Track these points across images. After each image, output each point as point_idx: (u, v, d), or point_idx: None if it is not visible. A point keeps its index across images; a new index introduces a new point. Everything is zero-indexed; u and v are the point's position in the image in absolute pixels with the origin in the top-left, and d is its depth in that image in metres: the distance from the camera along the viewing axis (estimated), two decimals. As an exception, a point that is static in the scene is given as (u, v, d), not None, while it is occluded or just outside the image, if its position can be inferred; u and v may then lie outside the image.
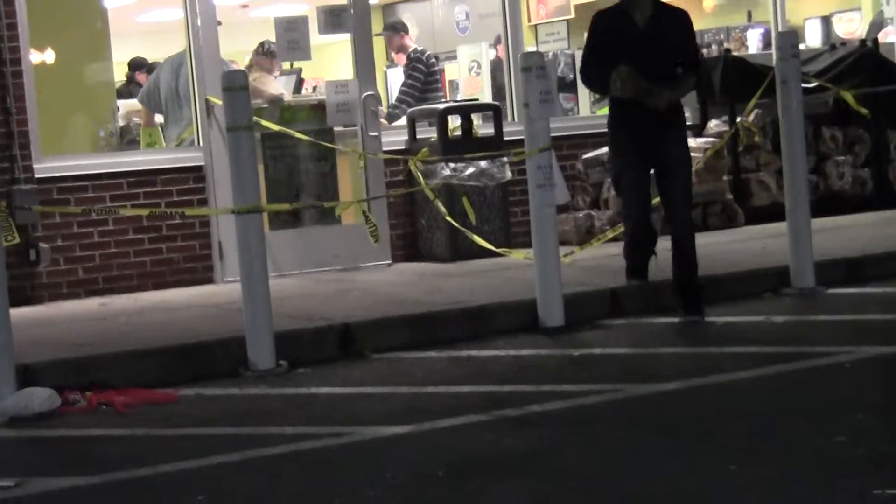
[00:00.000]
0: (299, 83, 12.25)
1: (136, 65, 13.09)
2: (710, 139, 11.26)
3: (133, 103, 11.46)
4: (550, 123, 8.08)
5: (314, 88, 12.37)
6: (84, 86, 10.60)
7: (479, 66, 12.71)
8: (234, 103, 7.29)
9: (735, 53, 12.32)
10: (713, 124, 11.65)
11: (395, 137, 10.69)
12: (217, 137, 9.81)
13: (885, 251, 9.34)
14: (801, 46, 10.87)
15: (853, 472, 4.71)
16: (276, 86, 11.15)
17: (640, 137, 7.99)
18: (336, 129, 10.29)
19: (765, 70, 10.27)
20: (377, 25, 13.06)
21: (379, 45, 12.99)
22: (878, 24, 13.81)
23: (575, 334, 7.72)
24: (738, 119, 10.86)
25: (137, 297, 9.36)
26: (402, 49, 12.42)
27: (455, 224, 9.79)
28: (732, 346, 7.13)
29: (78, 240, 9.53)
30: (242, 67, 11.00)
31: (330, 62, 13.12)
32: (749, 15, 14.05)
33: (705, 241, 10.36)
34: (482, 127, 10.86)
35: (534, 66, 7.97)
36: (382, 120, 11.72)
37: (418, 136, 10.65)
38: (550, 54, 12.20)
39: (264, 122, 9.79)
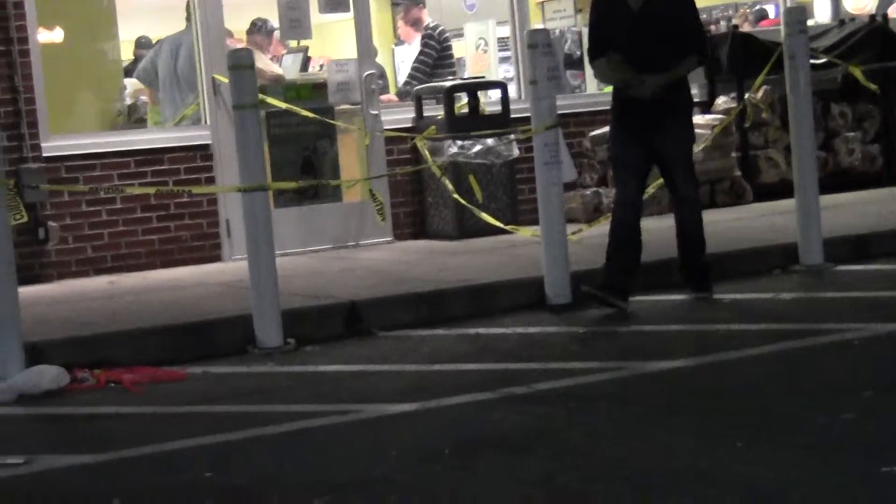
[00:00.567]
0: (306, 61, 12.22)
1: (144, 44, 13.07)
2: (718, 116, 11.23)
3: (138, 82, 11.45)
4: (557, 101, 8.05)
5: (321, 67, 12.36)
6: (91, 64, 10.59)
7: (487, 44, 12.68)
8: (239, 82, 7.29)
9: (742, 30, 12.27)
10: (721, 101, 11.62)
11: (401, 115, 10.67)
12: (224, 116, 9.80)
13: (894, 228, 9.31)
14: (810, 22, 10.84)
15: (861, 450, 4.70)
16: (273, 64, 11.15)
17: (637, 124, 7.80)
18: (338, 108, 10.29)
19: (773, 46, 10.23)
20: (381, 4, 13.02)
21: (385, 23, 12.97)
22: (887, -1, 13.75)
23: (582, 312, 7.71)
24: (746, 96, 10.83)
25: (145, 275, 9.37)
26: (416, 23, 12.38)
27: (462, 201, 9.78)
28: (740, 324, 7.13)
29: (86, 218, 9.53)
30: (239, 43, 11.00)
31: (336, 40, 13.09)
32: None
33: (713, 219, 10.35)
34: (490, 104, 10.84)
35: (540, 42, 7.95)
36: (393, 97, 11.70)
37: (425, 114, 10.63)
38: (557, 31, 12.17)
39: (270, 100, 9.78)
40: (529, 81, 8.05)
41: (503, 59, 12.07)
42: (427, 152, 9.96)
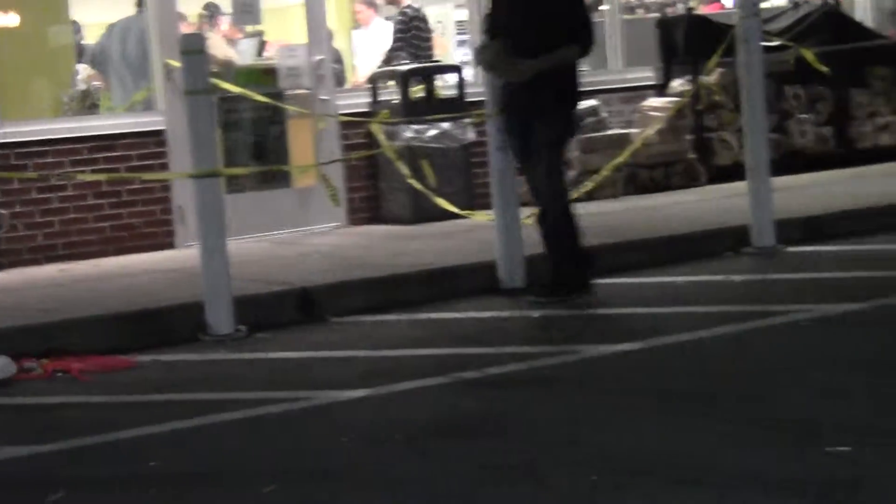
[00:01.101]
0: (261, 46, 12.16)
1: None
2: (673, 99, 11.25)
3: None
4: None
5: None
6: (43, 49, 10.50)
7: (444, 27, 12.65)
8: (192, 67, 7.24)
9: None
10: (677, 83, 11.63)
11: (356, 100, 10.63)
12: (177, 101, 9.73)
13: (846, 209, 9.37)
14: (764, 5, 10.86)
15: (805, 430, 4.73)
16: (227, 47, 11.09)
17: (517, 114, 7.58)
18: (293, 92, 10.24)
19: (728, 29, 10.25)
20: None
21: (343, 6, 12.90)
22: (840, -19, 13.80)
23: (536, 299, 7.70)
24: (700, 78, 10.85)
25: (97, 262, 9.31)
26: (372, 5, 12.35)
27: (418, 186, 9.77)
28: (692, 306, 7.15)
29: (37, 206, 9.46)
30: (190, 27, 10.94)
31: (293, 25, 13.03)
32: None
33: (667, 201, 10.40)
34: (446, 88, 10.82)
35: (493, 26, 7.92)
36: (360, 80, 11.64)
37: (380, 98, 10.60)
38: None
39: (224, 85, 9.72)
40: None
41: (461, 43, 12.05)
42: (382, 136, 9.94)
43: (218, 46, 10.80)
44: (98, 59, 10.68)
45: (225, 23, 11.69)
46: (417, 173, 9.86)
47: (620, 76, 11.74)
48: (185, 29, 10.44)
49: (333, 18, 10.96)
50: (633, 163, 10.69)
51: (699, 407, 5.12)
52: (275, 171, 9.91)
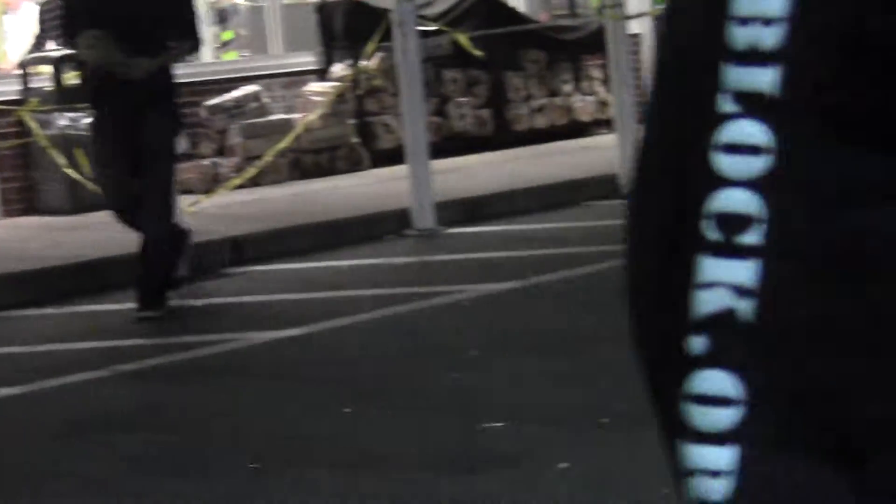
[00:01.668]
0: None
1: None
2: (335, 84, 11.29)
3: None
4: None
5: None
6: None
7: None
8: None
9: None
10: (338, 68, 11.68)
11: (6, 87, 10.23)
12: None
13: (503, 189, 9.61)
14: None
15: (461, 408, 4.82)
16: None
17: (120, 118, 6.99)
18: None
19: (385, 13, 10.35)
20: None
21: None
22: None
23: (200, 284, 7.60)
24: (358, 63, 10.93)
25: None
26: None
27: (74, 175, 9.48)
28: (353, 290, 7.19)
29: None
30: None
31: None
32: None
33: (331, 186, 10.43)
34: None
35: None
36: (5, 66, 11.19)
37: (31, 85, 10.22)
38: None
39: None
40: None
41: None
42: (35, 125, 9.59)
43: None
44: None
45: None
46: (73, 162, 9.58)
47: (281, 61, 11.72)
48: None
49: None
50: (296, 148, 10.68)
51: (353, 392, 5.14)
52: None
